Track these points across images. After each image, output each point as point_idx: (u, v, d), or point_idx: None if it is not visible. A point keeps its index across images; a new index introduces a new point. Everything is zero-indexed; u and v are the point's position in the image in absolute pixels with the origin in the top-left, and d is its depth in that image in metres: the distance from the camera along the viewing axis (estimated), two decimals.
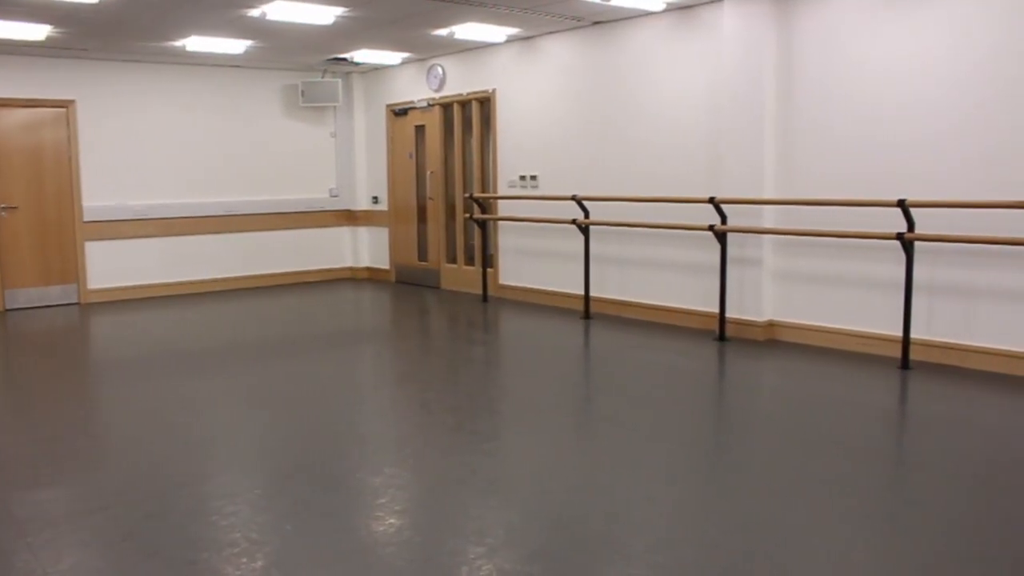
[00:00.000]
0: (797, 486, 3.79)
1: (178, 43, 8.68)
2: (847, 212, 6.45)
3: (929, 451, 4.26)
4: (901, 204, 5.84)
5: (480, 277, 9.69)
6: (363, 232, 11.73)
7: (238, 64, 10.40)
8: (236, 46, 8.87)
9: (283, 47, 9.17)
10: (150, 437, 4.67)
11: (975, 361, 5.89)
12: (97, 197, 9.73)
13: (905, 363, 5.97)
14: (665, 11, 7.51)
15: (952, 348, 6.01)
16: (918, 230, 5.92)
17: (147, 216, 10.03)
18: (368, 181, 11.62)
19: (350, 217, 11.70)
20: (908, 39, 6.07)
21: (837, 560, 3.06)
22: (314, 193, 11.41)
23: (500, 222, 9.56)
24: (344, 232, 11.72)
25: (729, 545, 3.20)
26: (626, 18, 7.87)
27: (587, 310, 8.25)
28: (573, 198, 8.20)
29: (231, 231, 10.67)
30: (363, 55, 9.74)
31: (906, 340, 5.98)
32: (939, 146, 5.96)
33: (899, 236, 5.86)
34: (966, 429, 4.59)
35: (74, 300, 9.68)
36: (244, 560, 3.11)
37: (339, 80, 11.00)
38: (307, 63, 10.48)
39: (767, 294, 7.02)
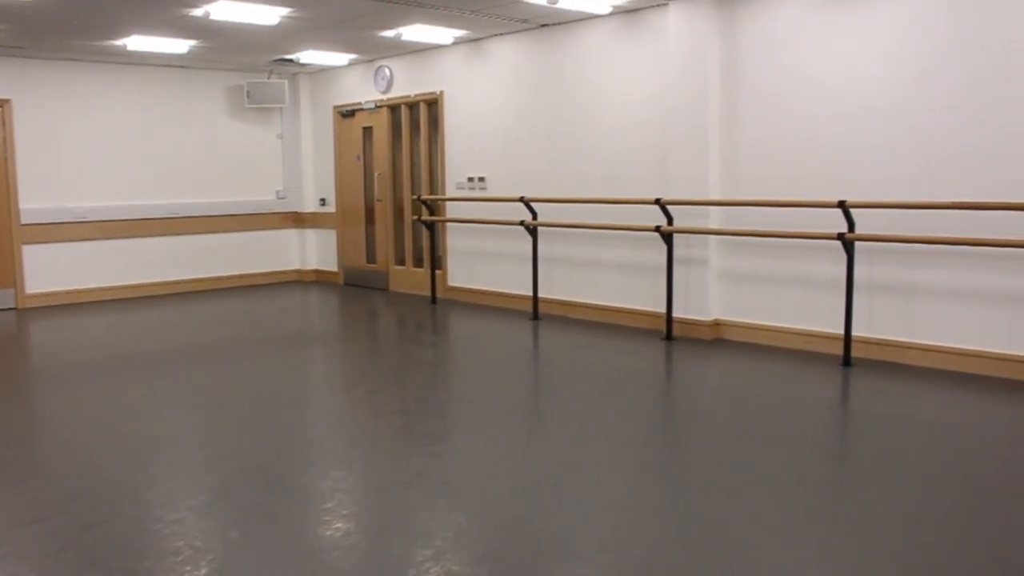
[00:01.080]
0: (744, 483, 3.84)
1: (119, 42, 8.52)
2: (790, 213, 6.55)
3: (871, 447, 4.34)
4: (842, 205, 5.94)
5: (429, 279, 9.66)
6: (311, 234, 11.63)
7: (182, 64, 10.25)
8: (179, 46, 8.73)
9: (228, 47, 9.06)
10: (91, 444, 4.58)
11: (913, 357, 6.02)
12: (35, 199, 9.50)
13: (847, 360, 6.08)
14: (611, 14, 7.56)
15: (891, 345, 6.13)
16: (858, 230, 6.03)
17: (88, 219, 9.83)
18: (315, 183, 11.52)
19: (297, 219, 11.59)
20: (850, 45, 6.18)
21: (783, 557, 3.10)
22: (261, 195, 11.29)
23: (449, 224, 9.54)
24: (291, 234, 11.61)
25: (678, 543, 3.23)
26: (573, 21, 7.90)
27: (536, 311, 8.26)
28: (521, 200, 8.21)
29: (176, 233, 10.50)
30: (309, 56, 9.66)
31: (847, 338, 6.08)
32: (879, 149, 6.08)
33: (840, 236, 5.96)
34: (906, 425, 4.68)
35: (11, 305, 9.45)
36: (187, 568, 3.06)
37: (285, 81, 10.89)
38: (252, 64, 10.36)
39: (713, 294, 7.10)
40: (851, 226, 5.98)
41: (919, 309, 5.99)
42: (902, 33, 5.90)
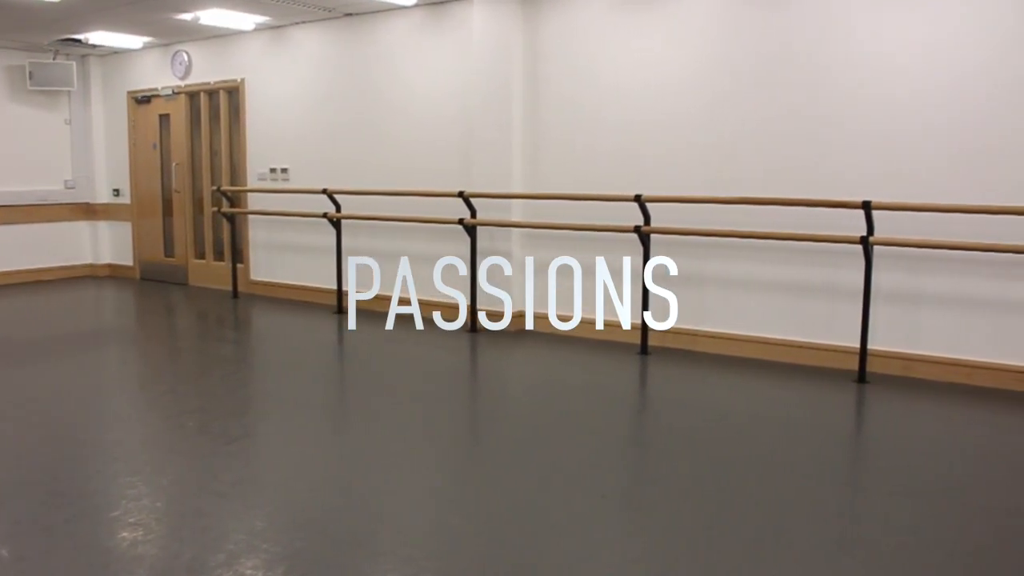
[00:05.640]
0: (546, 471, 3.93)
1: None
2: (591, 208, 6.75)
3: (663, 431, 4.54)
4: (638, 199, 6.19)
5: (230, 273, 9.34)
6: (104, 227, 10.98)
7: None
8: None
9: (3, 23, 8.39)
10: None
11: (704, 345, 6.35)
12: None
13: (644, 349, 6.34)
14: (416, 6, 7.53)
15: (685, 334, 6.44)
16: (654, 224, 6.29)
17: None
18: (108, 172, 10.88)
19: (89, 211, 10.91)
20: (648, 48, 6.43)
21: (583, 542, 3.19)
22: (47, 184, 10.54)
23: (250, 216, 9.25)
24: (82, 227, 10.91)
25: (480, 535, 3.26)
26: (378, 11, 7.82)
27: (340, 305, 8.15)
28: (324, 192, 8.07)
29: None
30: (99, 37, 9.11)
31: (644, 327, 6.35)
32: (676, 151, 6.36)
33: (636, 229, 6.21)
34: (695, 409, 4.93)
35: None
36: None
37: (74, 63, 10.22)
38: (35, 42, 9.64)
39: (517, 286, 7.22)
40: (647, 219, 6.23)
41: (711, 299, 6.33)
42: (700, 38, 6.20)
